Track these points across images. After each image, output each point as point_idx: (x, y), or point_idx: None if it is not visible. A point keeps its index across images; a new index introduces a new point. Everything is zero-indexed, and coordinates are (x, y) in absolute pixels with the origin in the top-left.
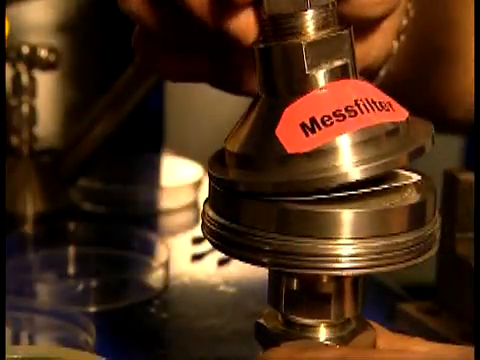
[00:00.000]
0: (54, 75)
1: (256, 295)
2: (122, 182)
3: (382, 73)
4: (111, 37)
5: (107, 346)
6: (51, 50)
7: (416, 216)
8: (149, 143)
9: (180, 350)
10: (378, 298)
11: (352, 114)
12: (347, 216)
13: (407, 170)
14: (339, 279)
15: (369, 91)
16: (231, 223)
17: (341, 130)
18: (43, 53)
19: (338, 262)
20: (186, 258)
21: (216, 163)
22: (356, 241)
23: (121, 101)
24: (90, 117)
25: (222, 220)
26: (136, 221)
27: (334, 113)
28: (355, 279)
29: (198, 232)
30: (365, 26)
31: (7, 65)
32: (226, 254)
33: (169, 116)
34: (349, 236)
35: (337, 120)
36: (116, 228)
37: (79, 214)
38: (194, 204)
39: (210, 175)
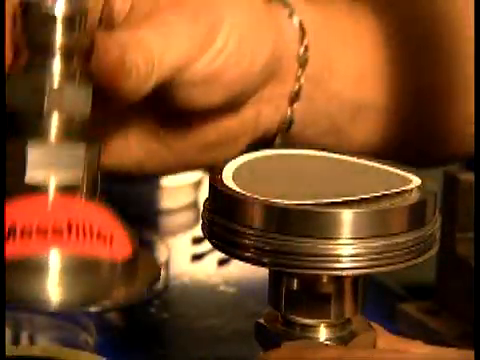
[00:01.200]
0: None
1: (256, 295)
2: (122, 182)
3: (278, 140)
4: None
5: (107, 346)
6: None
7: (416, 216)
8: None
9: (180, 350)
10: (378, 298)
11: (58, 235)
12: (347, 216)
13: (408, 172)
14: (339, 279)
15: (95, 217)
16: (231, 223)
17: (35, 247)
18: None
19: (338, 262)
20: (186, 258)
21: None
22: (356, 241)
23: None
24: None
25: (222, 220)
26: (136, 221)
27: (39, 228)
28: (355, 279)
29: (198, 232)
30: (234, 103)
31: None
32: (226, 254)
33: None
34: (349, 236)
35: (37, 235)
36: None
37: None
38: (194, 204)
39: None
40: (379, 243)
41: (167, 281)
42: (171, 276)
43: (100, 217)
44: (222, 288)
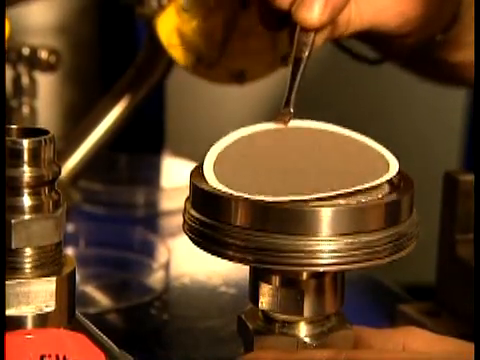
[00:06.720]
0: (54, 76)
1: None
2: (122, 183)
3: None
4: (112, 38)
5: None
6: (52, 51)
7: (393, 213)
8: (149, 144)
9: (180, 351)
10: (378, 299)
11: None
12: (326, 213)
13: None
14: (318, 276)
15: (68, 346)
16: (211, 220)
17: None
18: (44, 54)
19: (318, 258)
20: (186, 259)
21: None
22: (335, 237)
23: (122, 102)
24: (91, 118)
25: (203, 218)
26: (136, 222)
27: None
28: (334, 276)
29: None
30: None
31: (8, 66)
32: (206, 251)
33: (169, 117)
34: (328, 233)
35: None
36: (116, 229)
37: (79, 215)
38: None
39: None
40: (358, 239)
41: (167, 282)
42: (171, 277)
43: (74, 345)
44: (222, 289)
